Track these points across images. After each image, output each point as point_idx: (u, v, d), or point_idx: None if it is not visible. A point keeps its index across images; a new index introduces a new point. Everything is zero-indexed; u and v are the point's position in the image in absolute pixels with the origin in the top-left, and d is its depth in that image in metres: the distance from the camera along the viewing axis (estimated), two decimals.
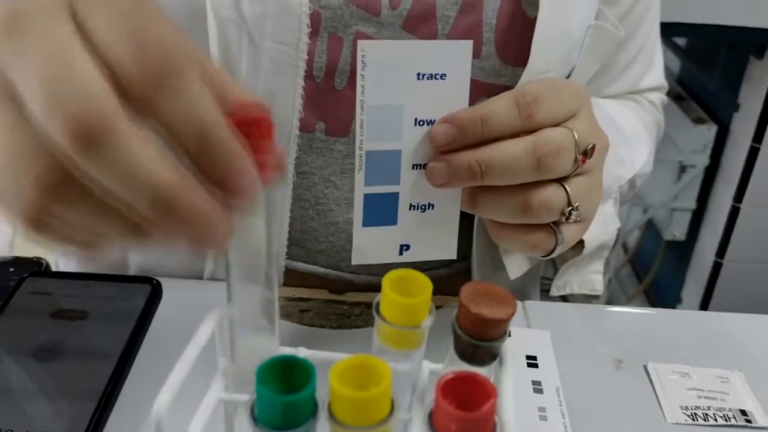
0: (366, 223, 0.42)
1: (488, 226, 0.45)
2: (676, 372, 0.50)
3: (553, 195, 0.43)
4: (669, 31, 1.33)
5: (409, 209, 0.43)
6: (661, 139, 0.70)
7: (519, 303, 0.58)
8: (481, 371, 0.30)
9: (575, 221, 0.45)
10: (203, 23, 0.47)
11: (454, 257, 0.44)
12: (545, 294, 0.73)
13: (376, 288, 0.57)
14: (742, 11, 1.37)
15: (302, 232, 0.55)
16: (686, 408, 0.47)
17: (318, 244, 0.56)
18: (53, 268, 0.56)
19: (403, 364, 0.31)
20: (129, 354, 0.46)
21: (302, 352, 0.34)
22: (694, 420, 0.46)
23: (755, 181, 1.51)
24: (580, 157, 0.42)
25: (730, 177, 1.56)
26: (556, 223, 0.44)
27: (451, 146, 0.41)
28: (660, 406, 0.47)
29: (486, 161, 0.41)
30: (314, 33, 0.48)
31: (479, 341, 0.29)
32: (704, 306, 1.63)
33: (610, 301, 1.81)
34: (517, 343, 0.52)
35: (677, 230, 1.67)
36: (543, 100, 0.42)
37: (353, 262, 0.42)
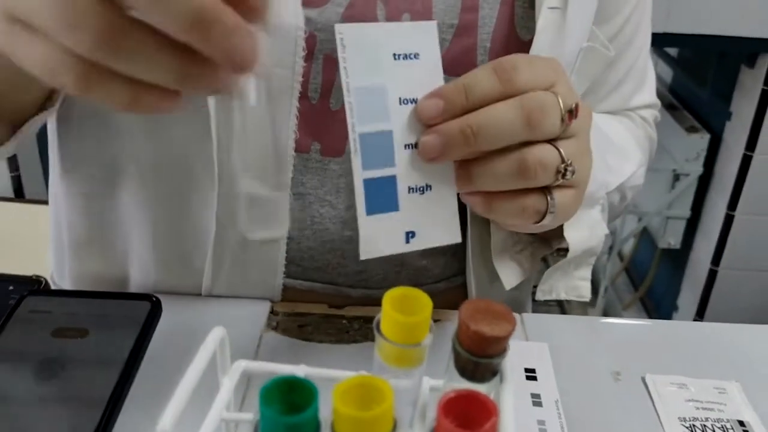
0: (369, 210, 0.42)
1: (478, 203, 0.44)
2: (673, 383, 0.50)
3: (546, 152, 0.42)
4: (661, 41, 1.35)
5: (409, 192, 0.42)
6: (655, 148, 0.70)
7: (517, 316, 0.58)
8: (481, 388, 0.30)
9: (569, 185, 0.45)
10: None
11: (459, 240, 0.44)
12: (536, 302, 0.74)
13: (374, 302, 0.58)
14: (733, 21, 1.39)
15: (298, 251, 0.55)
16: (684, 420, 0.47)
17: (314, 262, 0.56)
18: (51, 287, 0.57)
19: (404, 381, 0.31)
20: (130, 372, 0.46)
21: (302, 370, 0.34)
22: None
23: (749, 189, 1.52)
24: (566, 115, 0.42)
25: (723, 185, 1.57)
26: (549, 189, 0.44)
27: (439, 119, 0.42)
28: (659, 418, 0.48)
29: (476, 124, 0.41)
30: (309, 55, 0.49)
31: (479, 358, 0.29)
32: (700, 313, 1.63)
33: (606, 310, 1.81)
34: (515, 356, 0.52)
35: (672, 238, 1.68)
36: (520, 67, 0.42)
37: (362, 257, 0.42)
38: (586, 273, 0.59)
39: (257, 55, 0.30)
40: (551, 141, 0.43)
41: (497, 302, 0.30)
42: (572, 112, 0.42)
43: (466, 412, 0.26)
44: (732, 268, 1.59)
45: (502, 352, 0.29)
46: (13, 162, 1.51)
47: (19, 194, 1.51)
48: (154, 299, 0.52)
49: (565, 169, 0.43)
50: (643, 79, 0.66)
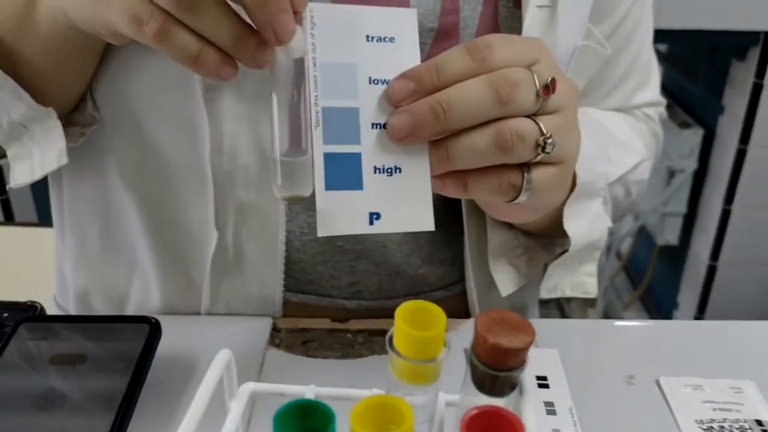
0: (329, 185, 0.40)
1: (452, 184, 0.43)
2: (688, 385, 0.49)
3: (524, 124, 0.41)
4: None
5: (375, 172, 0.41)
6: (662, 145, 0.69)
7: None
8: (499, 402, 0.29)
9: (551, 161, 0.43)
10: (190, 74, 0.47)
11: (431, 228, 0.41)
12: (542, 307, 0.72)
13: (373, 314, 0.57)
14: (722, 15, 1.38)
15: (290, 263, 0.54)
16: (702, 422, 0.46)
17: (306, 274, 0.55)
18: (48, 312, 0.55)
19: (419, 398, 0.30)
20: (131, 397, 0.45)
21: (313, 390, 0.33)
22: None
23: (744, 183, 1.52)
24: (541, 90, 0.41)
25: (719, 180, 1.56)
26: (528, 166, 0.43)
27: (410, 100, 0.40)
28: (675, 421, 0.46)
29: (446, 100, 0.39)
30: None
31: (498, 372, 0.28)
32: (701, 310, 1.63)
33: (606, 310, 1.81)
34: None
35: (670, 235, 1.67)
36: (495, 46, 0.41)
37: (319, 234, 0.40)
38: (592, 268, 0.58)
39: (292, 34, 0.37)
40: (530, 116, 0.41)
41: (513, 312, 0.29)
42: (548, 87, 0.41)
43: (490, 429, 0.25)
44: (731, 262, 1.58)
45: (521, 364, 0.28)
46: (1, 185, 1.49)
47: (8, 217, 1.50)
48: (153, 321, 0.50)
49: (545, 142, 0.41)
50: (647, 77, 0.65)
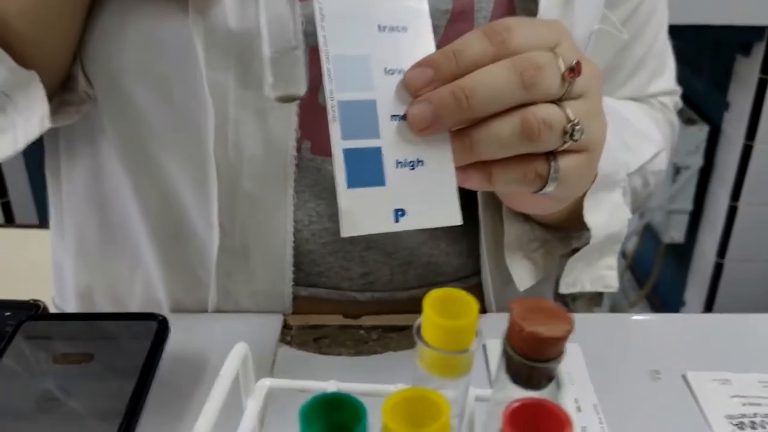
0: (351, 183, 0.38)
1: (476, 175, 0.41)
2: (716, 379, 0.48)
3: (551, 111, 0.39)
4: None
5: (397, 167, 0.39)
6: (677, 135, 0.67)
7: None
8: (535, 395, 0.27)
9: (578, 149, 0.41)
10: (191, 45, 0.45)
11: (459, 222, 0.40)
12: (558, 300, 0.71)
13: (384, 307, 0.55)
14: (726, 10, 1.37)
15: (299, 255, 0.53)
16: (732, 417, 0.45)
17: (316, 266, 0.54)
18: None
19: (449, 392, 0.29)
20: (140, 397, 0.43)
21: (334, 386, 0.32)
22: (741, 429, 0.44)
23: (750, 179, 1.50)
24: (566, 73, 0.39)
25: (725, 176, 1.55)
26: (554, 154, 0.41)
27: (429, 88, 0.39)
28: (705, 416, 0.45)
29: (467, 86, 0.38)
30: None
31: (535, 362, 0.26)
32: (708, 307, 1.61)
33: (612, 308, 1.79)
34: None
35: (675, 233, 1.66)
36: (514, 29, 0.39)
37: (343, 234, 0.38)
38: (612, 261, 0.56)
39: None
40: (556, 102, 0.40)
41: (549, 300, 0.27)
42: (573, 70, 0.39)
43: (533, 424, 0.23)
44: (738, 259, 1.57)
45: (559, 355, 0.27)
46: (1, 187, 1.48)
47: (8, 219, 1.48)
48: (161, 318, 0.49)
49: (573, 129, 0.39)
50: (662, 64, 0.64)
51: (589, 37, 0.52)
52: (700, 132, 1.57)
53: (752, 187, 1.51)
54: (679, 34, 1.49)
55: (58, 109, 0.48)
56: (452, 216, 0.40)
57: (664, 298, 1.80)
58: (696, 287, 1.66)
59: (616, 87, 0.62)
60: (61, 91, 0.50)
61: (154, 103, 0.49)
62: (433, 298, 0.27)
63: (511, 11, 0.49)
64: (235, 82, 0.46)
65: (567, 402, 0.27)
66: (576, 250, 0.56)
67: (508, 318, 0.27)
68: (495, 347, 0.49)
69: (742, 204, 1.53)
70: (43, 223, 1.49)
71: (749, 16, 1.38)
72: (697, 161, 1.58)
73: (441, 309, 0.27)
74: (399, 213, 0.39)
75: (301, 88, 0.37)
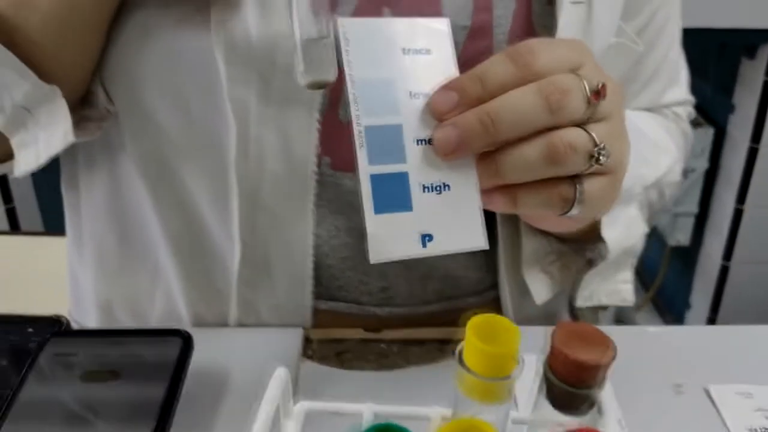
0: (378, 209, 0.39)
1: (501, 199, 0.41)
2: (738, 393, 0.48)
3: (576, 135, 0.39)
4: None
5: (423, 191, 0.39)
6: (690, 145, 0.68)
7: None
8: (574, 422, 0.27)
9: (602, 171, 0.41)
10: (212, 61, 0.45)
11: (485, 246, 0.40)
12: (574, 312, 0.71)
13: (403, 322, 0.55)
14: (731, 13, 1.37)
15: (318, 268, 0.53)
16: (754, 431, 0.45)
17: (335, 280, 0.54)
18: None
19: (489, 417, 0.29)
20: (167, 415, 0.43)
21: (371, 409, 0.32)
22: None
23: (756, 182, 1.51)
24: (591, 96, 0.39)
25: (730, 179, 1.55)
26: (579, 177, 0.41)
27: (454, 112, 0.39)
28: (728, 430, 0.45)
29: (494, 111, 0.38)
30: None
31: (577, 389, 0.27)
32: (714, 310, 1.61)
33: (618, 312, 1.79)
34: None
35: (681, 236, 1.66)
36: (538, 51, 0.39)
37: (371, 260, 0.38)
38: (628, 275, 0.57)
39: None
40: (581, 125, 0.40)
41: (590, 325, 0.28)
42: (598, 93, 0.39)
43: None
44: (744, 262, 1.57)
45: (602, 381, 0.27)
46: (6, 194, 1.47)
47: (14, 227, 1.48)
48: (185, 334, 0.49)
49: (599, 153, 0.39)
50: (676, 75, 0.64)
51: (605, 50, 0.53)
52: (705, 135, 1.57)
53: (758, 190, 1.51)
54: (684, 36, 1.49)
55: (78, 124, 0.48)
56: (478, 240, 0.40)
57: (670, 301, 1.81)
58: (702, 290, 1.66)
59: (631, 98, 0.62)
60: (81, 107, 0.50)
61: (174, 118, 0.49)
62: (475, 324, 0.28)
63: (530, 27, 0.50)
64: (256, 98, 0.47)
65: (610, 428, 0.27)
66: (590, 262, 0.56)
67: (548, 341, 0.28)
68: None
69: (748, 207, 1.53)
70: (49, 230, 1.49)
71: (755, 19, 1.38)
72: (702, 164, 1.59)
73: (483, 334, 0.27)
74: (426, 238, 0.39)
75: (332, 75, 0.37)
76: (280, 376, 0.31)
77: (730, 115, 1.55)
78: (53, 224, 1.47)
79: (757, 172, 1.50)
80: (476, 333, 0.27)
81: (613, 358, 0.26)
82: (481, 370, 0.27)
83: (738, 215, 1.54)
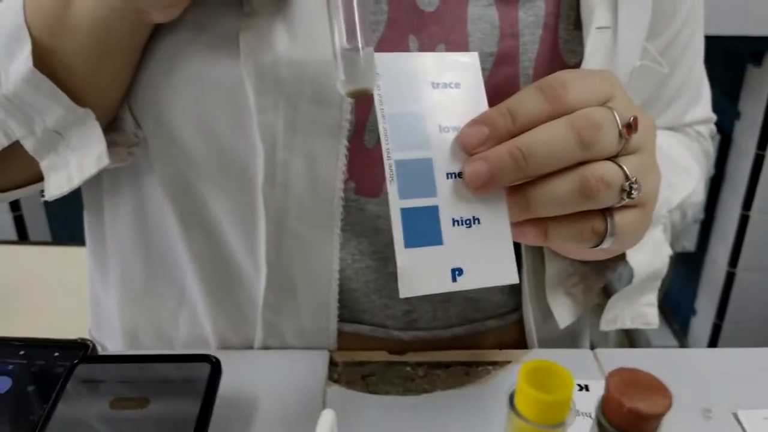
0: (408, 243, 0.39)
1: (532, 232, 0.41)
2: (767, 418, 0.48)
3: (609, 169, 0.39)
4: None
5: (453, 225, 0.39)
6: (712, 163, 0.68)
7: (589, 352, 0.56)
8: None
9: (633, 204, 0.41)
10: (240, 89, 0.45)
11: (515, 281, 0.40)
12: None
13: (428, 345, 0.55)
14: (737, 20, 1.37)
15: (342, 291, 0.53)
16: None
17: (359, 304, 0.54)
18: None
19: None
20: None
21: None
22: None
23: (762, 189, 1.51)
24: (624, 130, 0.39)
25: (736, 185, 1.55)
26: (610, 210, 0.41)
27: (484, 147, 0.39)
28: None
29: (525, 145, 0.38)
30: None
31: None
32: (720, 317, 1.62)
33: None
34: (593, 398, 0.49)
35: (687, 242, 1.66)
36: (569, 84, 0.39)
37: (401, 295, 0.38)
38: (652, 298, 0.57)
39: None
40: (612, 159, 0.40)
41: (645, 372, 0.28)
42: (630, 126, 0.40)
43: None
44: (749, 268, 1.57)
45: (656, 429, 0.27)
46: (14, 202, 1.47)
47: (22, 236, 1.47)
48: (214, 360, 0.49)
49: (631, 188, 0.40)
50: (698, 93, 0.64)
51: (630, 73, 0.53)
52: (711, 141, 1.57)
53: (764, 197, 1.52)
54: None
55: (107, 149, 0.48)
56: (509, 274, 0.40)
57: (676, 307, 1.81)
58: (707, 296, 1.67)
59: (653, 116, 0.62)
60: (109, 132, 0.50)
61: (201, 143, 0.49)
62: (528, 370, 0.28)
63: (557, 53, 0.50)
64: (284, 124, 0.47)
65: None
66: (604, 290, 0.56)
67: (603, 389, 0.28)
68: None
69: (754, 213, 1.53)
70: (56, 239, 1.49)
71: (760, 26, 1.39)
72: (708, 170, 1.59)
73: (535, 381, 0.27)
74: (456, 272, 0.40)
75: (371, 83, 0.37)
76: (327, 419, 0.31)
77: (736, 122, 1.55)
78: (61, 233, 1.47)
79: (764, 178, 1.50)
80: (529, 380, 0.27)
81: (670, 406, 0.26)
82: (534, 417, 0.27)
83: (744, 221, 1.54)
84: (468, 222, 0.40)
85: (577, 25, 0.49)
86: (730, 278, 1.59)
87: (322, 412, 0.32)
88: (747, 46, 1.44)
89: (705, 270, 1.67)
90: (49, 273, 1.16)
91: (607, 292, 0.58)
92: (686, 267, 1.74)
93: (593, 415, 0.28)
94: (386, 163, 0.39)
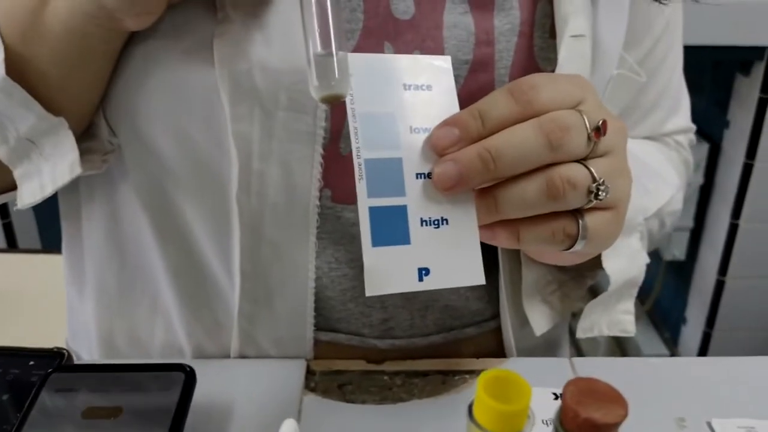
0: (376, 242, 0.39)
1: (503, 234, 0.41)
2: (741, 427, 0.48)
3: (575, 170, 0.40)
4: None
5: (422, 225, 0.40)
6: (691, 172, 0.68)
7: (565, 360, 0.56)
8: None
9: (604, 206, 0.42)
10: (215, 96, 0.45)
11: (482, 282, 0.40)
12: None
13: (405, 353, 0.55)
14: (726, 30, 1.38)
15: (318, 300, 0.53)
16: None
17: (335, 312, 0.54)
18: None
19: None
20: None
21: None
22: None
23: (751, 197, 1.51)
24: (593, 133, 0.40)
25: (725, 194, 1.56)
26: (581, 212, 0.42)
27: (454, 148, 0.39)
28: None
29: (494, 147, 0.38)
30: None
31: None
32: (710, 325, 1.62)
33: None
34: None
35: (677, 250, 1.66)
36: (540, 87, 0.40)
37: (367, 293, 0.38)
38: (629, 306, 0.57)
39: None
40: (581, 161, 0.40)
41: (602, 382, 0.28)
42: (599, 129, 0.40)
43: None
44: (739, 277, 1.58)
45: None
46: (3, 209, 1.47)
47: (11, 244, 1.47)
48: (188, 369, 0.49)
49: (598, 189, 0.40)
50: (678, 103, 0.64)
51: (607, 82, 0.53)
52: (700, 150, 1.58)
53: (753, 205, 1.52)
54: None
55: (82, 157, 0.48)
56: (475, 276, 0.41)
57: (666, 316, 1.81)
58: (697, 304, 1.67)
59: (631, 126, 0.62)
60: (84, 139, 0.50)
61: (176, 152, 0.49)
62: (486, 380, 0.28)
63: (532, 61, 0.50)
64: (259, 132, 0.47)
65: None
66: (591, 290, 0.56)
67: (560, 398, 0.28)
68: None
69: (743, 222, 1.54)
70: (45, 246, 1.49)
71: (749, 36, 1.39)
72: (697, 179, 1.59)
73: (494, 390, 0.28)
74: (423, 272, 0.40)
75: (345, 90, 0.37)
76: (288, 428, 0.31)
77: (725, 131, 1.55)
78: (51, 241, 1.47)
79: (752, 187, 1.51)
80: (487, 389, 0.27)
81: (625, 416, 0.26)
82: (492, 427, 0.28)
83: (733, 230, 1.54)
84: (436, 222, 0.40)
85: (552, 33, 0.50)
86: (719, 286, 1.59)
87: (284, 421, 0.32)
88: (736, 56, 1.45)
89: (695, 278, 1.68)
90: (38, 281, 1.15)
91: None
92: (676, 275, 1.74)
93: (551, 424, 0.28)
94: (355, 161, 0.39)
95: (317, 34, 0.36)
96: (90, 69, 0.46)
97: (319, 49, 0.36)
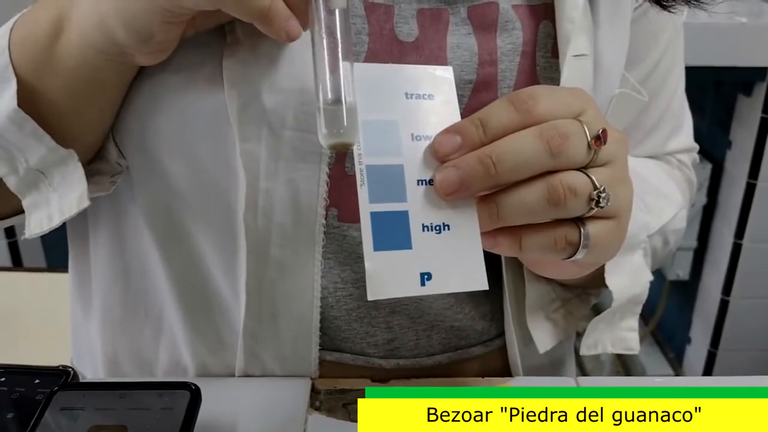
0: (377, 246, 0.39)
1: (505, 241, 0.42)
2: None
3: (576, 178, 0.40)
4: None
5: (423, 230, 0.40)
6: (695, 191, 0.68)
7: (571, 380, 0.56)
8: None
9: (605, 215, 0.42)
10: (224, 117, 0.46)
11: (485, 287, 0.40)
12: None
13: (411, 374, 0.55)
14: (728, 51, 1.39)
15: (323, 320, 0.53)
16: None
17: (340, 332, 0.54)
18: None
19: None
20: None
21: None
22: None
23: (754, 217, 1.52)
24: (593, 141, 0.40)
25: (728, 214, 1.56)
26: (582, 220, 0.42)
27: (456, 155, 0.40)
28: None
29: (495, 153, 0.39)
30: None
31: None
32: (714, 345, 1.61)
33: None
34: None
35: (680, 270, 1.66)
36: (539, 97, 0.40)
37: (369, 297, 0.39)
38: (633, 323, 0.57)
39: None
40: (582, 169, 0.41)
41: None
42: (600, 138, 0.40)
43: None
44: (743, 297, 1.57)
45: None
46: (9, 227, 1.47)
47: (16, 262, 1.47)
48: (194, 387, 0.49)
49: (599, 197, 0.40)
50: (680, 122, 0.65)
51: (609, 101, 0.53)
52: (703, 170, 1.58)
53: (756, 225, 1.52)
54: None
55: (91, 178, 0.49)
56: (478, 281, 0.41)
57: (670, 335, 1.80)
58: (701, 324, 1.66)
59: (634, 145, 0.62)
60: (93, 160, 0.51)
61: (184, 172, 0.49)
62: None
63: (535, 80, 0.51)
64: (267, 152, 0.47)
65: None
66: (595, 308, 0.56)
67: None
68: None
69: (747, 241, 1.53)
70: (51, 265, 1.49)
71: (751, 57, 1.40)
72: (700, 199, 1.60)
73: None
74: (425, 277, 0.40)
75: (353, 138, 0.38)
76: None
77: (728, 151, 1.56)
78: (56, 260, 1.47)
79: (755, 207, 1.51)
80: None
81: None
82: None
83: (737, 250, 1.54)
84: (438, 228, 0.40)
85: (555, 52, 0.50)
86: (723, 306, 1.58)
87: None
88: (738, 76, 1.46)
89: (699, 298, 1.67)
90: (43, 299, 1.15)
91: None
92: (680, 295, 1.74)
93: None
94: (357, 167, 0.39)
95: (328, 82, 0.37)
96: (101, 100, 0.47)
97: (329, 96, 0.37)
